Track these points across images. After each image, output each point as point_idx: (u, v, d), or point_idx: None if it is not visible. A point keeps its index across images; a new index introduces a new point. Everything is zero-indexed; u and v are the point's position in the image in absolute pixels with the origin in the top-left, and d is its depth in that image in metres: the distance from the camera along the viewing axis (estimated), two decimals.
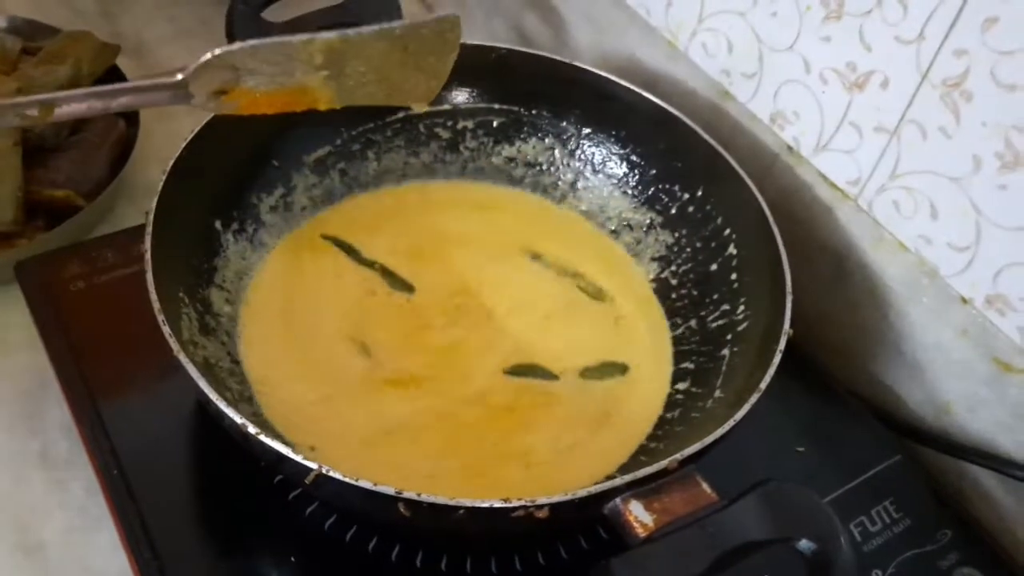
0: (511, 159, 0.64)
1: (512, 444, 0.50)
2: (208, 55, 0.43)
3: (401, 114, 0.63)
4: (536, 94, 0.63)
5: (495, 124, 0.64)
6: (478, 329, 0.55)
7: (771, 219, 0.53)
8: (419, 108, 0.54)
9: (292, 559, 0.47)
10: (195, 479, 0.50)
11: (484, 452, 0.49)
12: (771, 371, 0.45)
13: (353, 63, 0.46)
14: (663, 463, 0.40)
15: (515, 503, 0.38)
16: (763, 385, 0.44)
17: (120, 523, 0.47)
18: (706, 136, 0.57)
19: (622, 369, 0.55)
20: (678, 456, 0.41)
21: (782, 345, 0.47)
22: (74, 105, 0.41)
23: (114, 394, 0.52)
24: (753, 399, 0.44)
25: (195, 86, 0.43)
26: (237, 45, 0.44)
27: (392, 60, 0.47)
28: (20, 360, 0.59)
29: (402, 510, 0.38)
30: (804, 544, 0.38)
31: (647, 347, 0.56)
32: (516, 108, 0.63)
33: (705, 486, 0.41)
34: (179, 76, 0.43)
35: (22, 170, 0.64)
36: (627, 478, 0.40)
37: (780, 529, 0.39)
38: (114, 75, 0.73)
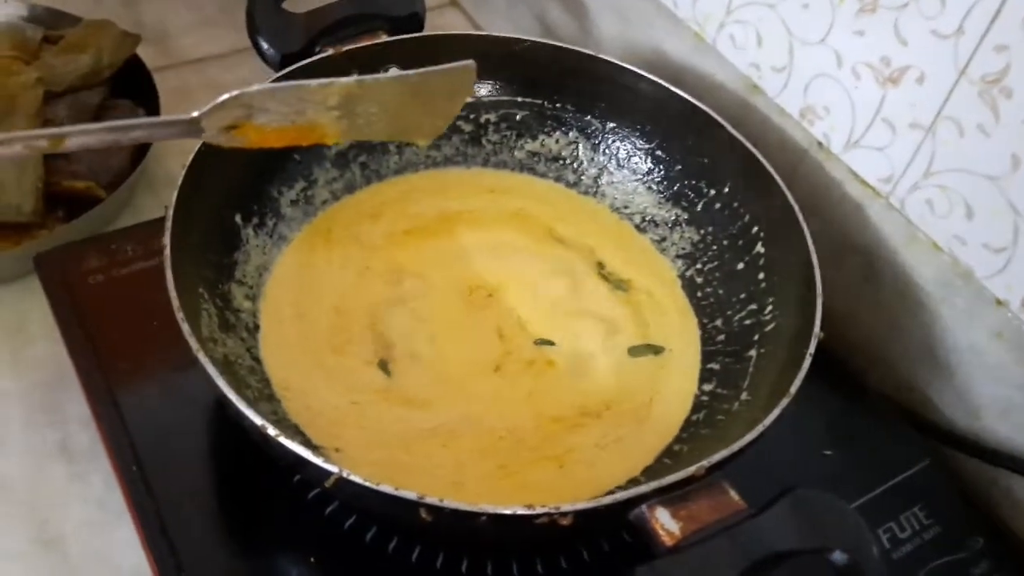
0: (534, 153, 0.63)
1: (554, 446, 0.49)
2: (226, 96, 0.44)
3: None
4: (560, 87, 0.62)
5: (518, 117, 0.63)
6: (501, 320, 0.54)
7: (801, 217, 0.52)
8: (423, 144, 0.54)
9: (311, 559, 0.46)
10: (214, 475, 0.50)
11: (520, 455, 0.48)
12: (801, 375, 0.44)
13: (365, 105, 0.47)
14: (690, 470, 0.39)
15: (539, 510, 0.37)
16: (793, 389, 0.43)
17: (138, 520, 0.47)
18: (734, 132, 0.56)
19: (656, 351, 0.54)
20: (705, 463, 0.40)
21: (812, 348, 0.45)
22: (86, 138, 0.41)
23: (133, 388, 0.52)
24: (783, 404, 0.43)
25: (208, 122, 0.44)
26: (256, 87, 0.44)
27: (404, 102, 0.48)
28: (39, 352, 0.58)
29: (423, 515, 0.38)
30: (836, 555, 0.37)
31: (677, 338, 0.55)
32: (540, 101, 0.62)
33: (733, 493, 0.40)
34: (194, 114, 0.43)
35: (42, 161, 0.63)
36: (653, 485, 0.39)
37: (811, 539, 0.38)
38: (135, 64, 0.72)
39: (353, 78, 0.46)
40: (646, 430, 0.50)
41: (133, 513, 0.48)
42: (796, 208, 0.52)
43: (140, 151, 0.67)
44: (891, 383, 0.59)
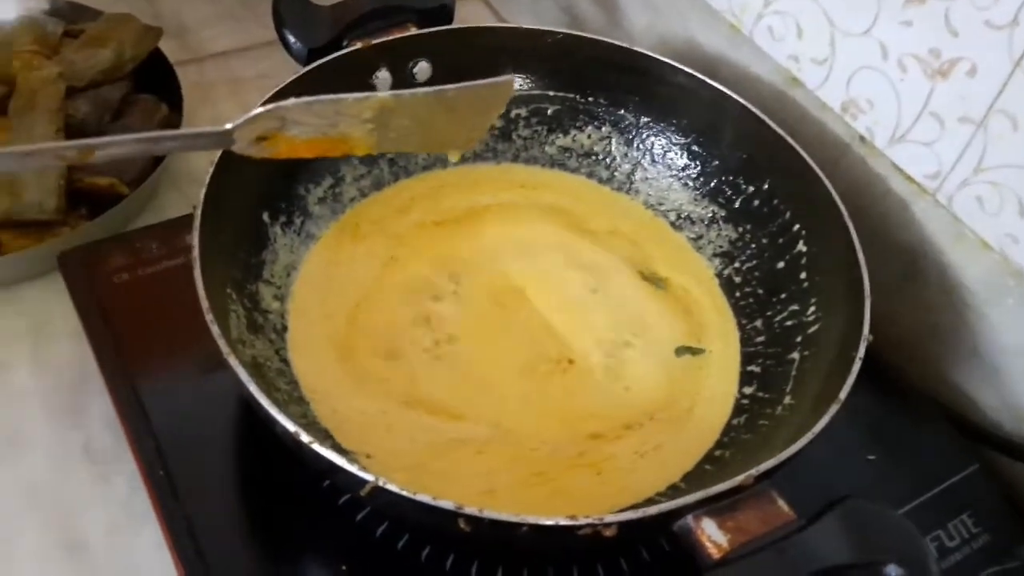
0: (566, 149, 0.62)
1: (592, 453, 0.47)
2: (260, 109, 0.43)
3: None
4: (593, 80, 0.60)
5: (549, 112, 0.61)
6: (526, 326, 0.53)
7: (846, 215, 0.50)
8: (454, 158, 0.53)
9: (343, 567, 0.45)
10: (241, 478, 0.48)
11: (556, 462, 0.47)
12: (850, 380, 0.43)
13: (399, 118, 0.46)
14: (738, 478, 0.38)
15: (582, 521, 0.36)
16: (843, 395, 0.42)
17: (165, 523, 0.46)
18: (774, 125, 0.54)
19: (696, 352, 0.53)
20: (754, 471, 0.38)
21: (862, 352, 0.44)
22: (115, 149, 0.40)
23: (159, 389, 0.51)
24: (832, 410, 0.41)
25: (240, 134, 0.43)
26: (291, 101, 0.43)
27: (438, 116, 0.47)
28: (62, 351, 0.57)
29: (462, 525, 0.36)
30: (891, 570, 0.36)
31: (716, 339, 0.53)
32: (572, 95, 0.61)
33: (781, 503, 0.39)
34: (227, 126, 0.43)
35: None
36: (699, 495, 0.37)
37: (865, 552, 0.37)
38: (157, 59, 0.71)
39: (389, 92, 0.45)
40: (686, 435, 0.48)
41: (160, 516, 0.47)
42: (840, 205, 0.50)
43: None
44: (934, 385, 0.57)
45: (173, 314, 0.53)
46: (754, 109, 0.55)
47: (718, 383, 0.51)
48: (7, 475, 0.52)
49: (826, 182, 0.51)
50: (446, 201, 0.59)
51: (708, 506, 0.37)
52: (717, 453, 0.47)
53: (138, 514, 0.50)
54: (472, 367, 0.50)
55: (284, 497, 0.47)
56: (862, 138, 0.57)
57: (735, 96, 0.56)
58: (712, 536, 0.37)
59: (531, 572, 0.45)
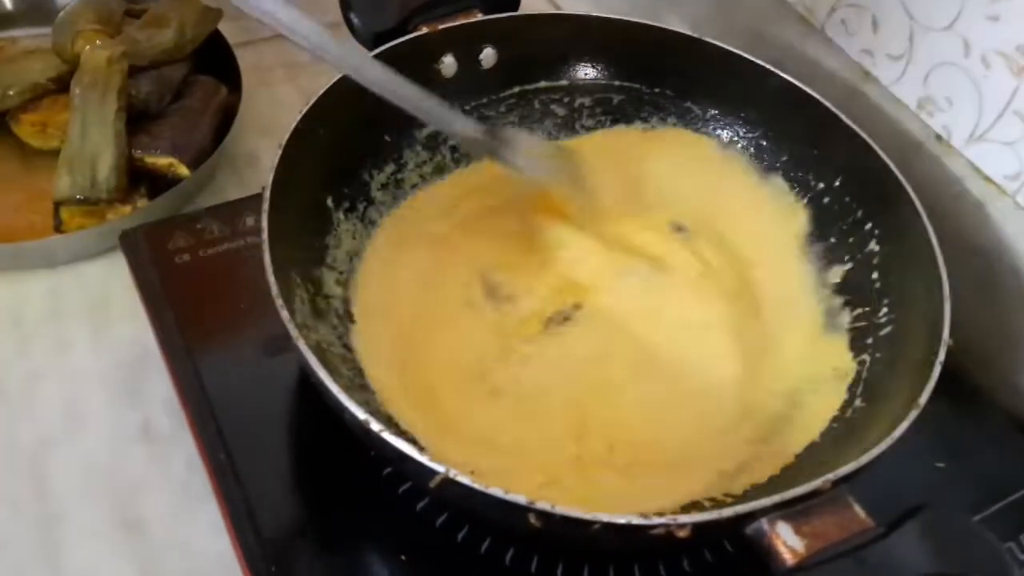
0: None
1: None
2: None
3: (516, 88, 0.59)
4: (660, 70, 0.59)
5: (615, 102, 0.60)
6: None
7: (923, 213, 0.48)
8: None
9: (402, 556, 0.44)
10: (301, 463, 0.48)
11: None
12: (931, 385, 0.41)
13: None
14: (816, 482, 0.37)
15: (655, 520, 0.35)
16: (923, 400, 0.41)
17: (225, 506, 0.46)
18: (848, 121, 0.53)
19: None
20: (831, 476, 0.37)
21: (942, 356, 0.43)
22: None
23: (219, 371, 0.50)
24: (912, 415, 0.40)
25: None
26: None
27: None
28: (122, 331, 0.58)
29: (532, 521, 0.36)
30: None
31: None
32: (638, 85, 0.60)
33: (858, 509, 0.38)
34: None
35: (126, 136, 0.63)
36: (776, 498, 0.36)
37: (946, 564, 0.35)
38: (216, 40, 0.71)
39: None
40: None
41: (219, 498, 0.47)
42: (917, 203, 0.49)
43: (222, 128, 0.66)
44: (1006, 393, 0.55)
45: (234, 296, 0.53)
46: (826, 102, 0.54)
47: None
48: (66, 454, 0.52)
49: (902, 179, 0.50)
50: (507, 190, 0.58)
51: (784, 510, 0.36)
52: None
53: (196, 496, 0.50)
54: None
55: (344, 483, 0.47)
56: (938, 136, 0.55)
57: (806, 89, 0.55)
58: (788, 541, 0.36)
59: (592, 568, 0.45)
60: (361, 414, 0.37)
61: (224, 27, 0.72)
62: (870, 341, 0.49)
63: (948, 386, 0.53)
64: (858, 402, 0.47)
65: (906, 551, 0.36)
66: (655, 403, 0.49)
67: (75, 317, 0.58)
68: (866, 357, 0.49)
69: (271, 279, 0.41)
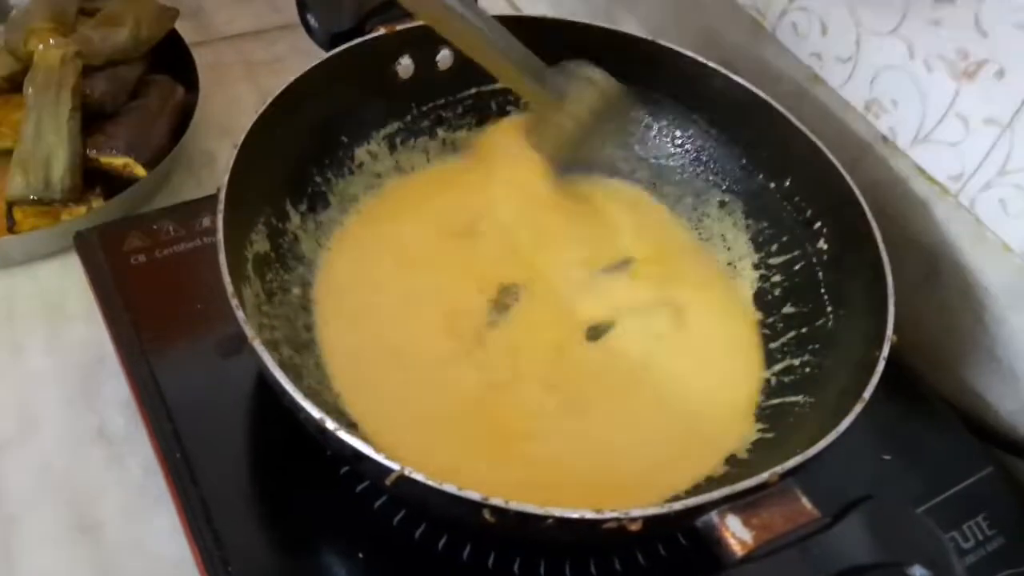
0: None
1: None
2: None
3: (473, 90, 0.60)
4: (616, 72, 0.59)
5: None
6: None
7: (870, 215, 0.50)
8: None
9: (359, 555, 0.45)
10: (259, 464, 0.48)
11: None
12: (875, 380, 0.43)
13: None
14: (763, 476, 0.38)
15: (607, 514, 0.36)
16: (867, 394, 0.42)
17: (182, 508, 0.46)
18: (798, 123, 0.54)
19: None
20: (779, 469, 0.38)
21: (886, 352, 0.44)
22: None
23: (176, 373, 0.50)
24: (857, 409, 0.41)
25: None
26: None
27: None
28: (77, 332, 0.57)
29: (487, 517, 0.36)
30: (917, 571, 0.36)
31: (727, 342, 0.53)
32: None
33: (805, 501, 0.39)
34: None
35: (81, 136, 0.62)
36: (725, 491, 0.37)
37: (890, 552, 0.36)
38: (172, 39, 0.71)
39: None
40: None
41: (176, 500, 0.46)
42: (864, 203, 0.50)
43: (179, 128, 0.66)
44: (951, 388, 0.57)
45: (191, 297, 0.53)
46: (777, 105, 0.55)
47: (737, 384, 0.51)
48: (20, 457, 0.52)
49: (850, 182, 0.51)
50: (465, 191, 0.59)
51: (733, 503, 0.37)
52: (738, 453, 0.47)
53: (152, 498, 0.50)
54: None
55: (302, 483, 0.47)
56: (884, 138, 0.56)
57: (758, 92, 0.56)
58: (737, 533, 0.37)
59: (548, 564, 0.45)
60: (316, 413, 0.37)
61: (181, 26, 0.71)
62: (818, 338, 0.50)
63: (895, 381, 0.54)
64: (806, 398, 0.48)
65: (850, 541, 0.37)
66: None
67: (29, 319, 0.58)
68: (814, 355, 0.50)
69: (226, 279, 0.41)
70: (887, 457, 0.52)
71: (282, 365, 0.39)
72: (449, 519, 0.44)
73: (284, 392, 0.38)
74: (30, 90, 0.62)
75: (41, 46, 0.63)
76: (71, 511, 0.50)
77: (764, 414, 0.49)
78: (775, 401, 0.49)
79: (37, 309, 0.58)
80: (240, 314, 0.40)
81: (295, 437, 0.47)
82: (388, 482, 0.36)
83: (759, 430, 0.48)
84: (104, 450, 0.52)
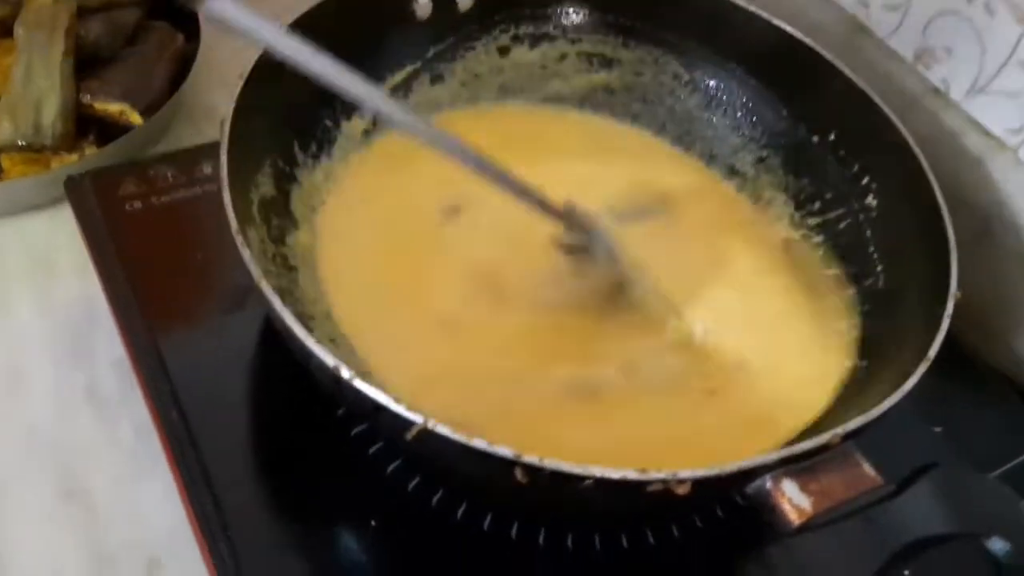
0: (609, 88, 0.57)
1: None
2: None
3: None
4: (651, 16, 0.55)
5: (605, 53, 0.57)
6: None
7: (926, 165, 0.46)
8: None
9: (371, 522, 0.41)
10: (264, 426, 0.45)
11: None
12: (940, 337, 0.39)
13: None
14: (824, 437, 0.34)
15: (653, 475, 0.32)
16: (932, 352, 0.38)
17: (179, 473, 0.42)
18: (846, 70, 0.50)
19: None
20: (840, 430, 0.35)
21: (950, 308, 0.40)
22: None
23: (173, 327, 0.47)
24: (921, 369, 0.38)
25: None
26: None
27: None
28: (67, 287, 0.53)
29: (519, 477, 0.32)
30: (997, 544, 0.32)
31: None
32: (626, 28, 0.56)
33: (867, 467, 0.35)
34: None
35: (74, 81, 0.58)
36: (782, 452, 0.34)
37: (964, 523, 0.33)
38: None
39: None
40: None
41: (172, 464, 0.43)
42: (920, 156, 0.46)
43: (179, 78, 0.62)
44: (1004, 358, 0.53)
45: (190, 246, 0.50)
46: (821, 51, 0.51)
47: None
48: (5, 418, 0.48)
49: (902, 129, 0.47)
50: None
51: (790, 466, 0.34)
52: None
53: (145, 462, 0.46)
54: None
55: (309, 445, 0.44)
56: (936, 90, 0.53)
57: (800, 36, 0.52)
58: (794, 499, 0.33)
59: (575, 537, 0.42)
60: (331, 360, 0.33)
61: None
62: (868, 298, 0.47)
63: (944, 350, 0.51)
64: (858, 362, 0.44)
65: (919, 510, 0.33)
66: None
67: (16, 273, 0.54)
68: (860, 318, 0.46)
69: (231, 214, 0.37)
70: (938, 429, 0.48)
71: (292, 311, 0.35)
72: (472, 483, 0.40)
73: (294, 339, 0.34)
74: (20, 31, 0.58)
75: None
76: (56, 477, 0.46)
77: None
78: None
79: (25, 264, 0.55)
80: (246, 252, 0.36)
81: (302, 397, 0.44)
82: (409, 436, 0.33)
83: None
84: (95, 411, 0.49)
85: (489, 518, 0.42)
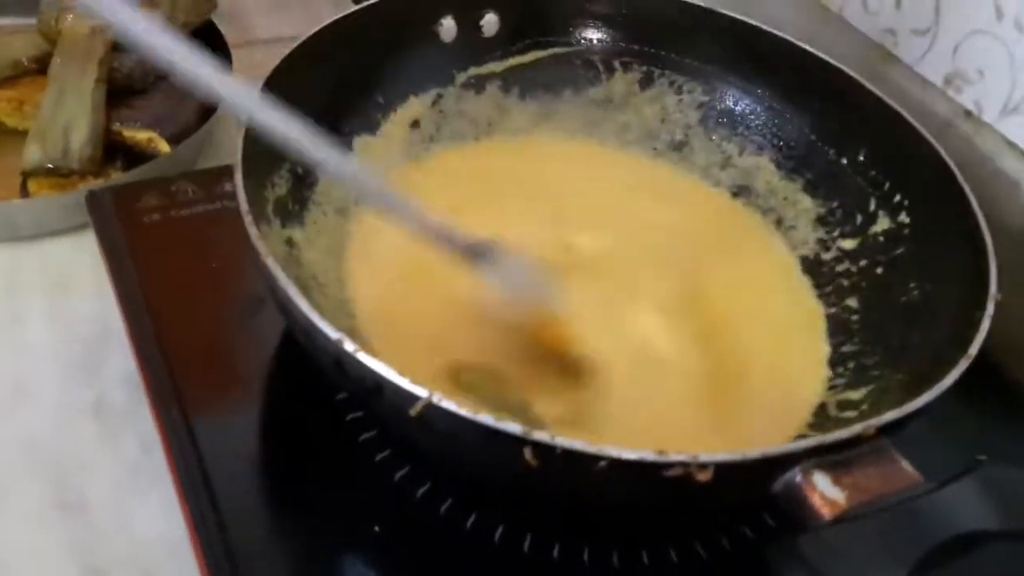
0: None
1: None
2: None
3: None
4: (674, 39, 0.55)
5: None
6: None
7: (960, 176, 0.44)
8: None
9: (375, 528, 0.39)
10: (271, 433, 0.43)
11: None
12: (980, 336, 0.37)
13: None
14: (857, 428, 0.32)
15: (672, 458, 0.30)
16: (973, 350, 0.36)
17: (180, 482, 0.40)
18: (873, 88, 0.49)
19: None
20: (875, 421, 0.32)
21: (991, 309, 0.38)
22: None
23: (185, 337, 0.46)
24: (962, 365, 0.35)
25: None
26: None
27: None
28: (84, 306, 0.53)
29: (528, 458, 0.30)
30: None
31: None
32: (653, 52, 0.56)
33: (905, 463, 0.32)
34: None
35: (105, 107, 0.59)
36: (812, 441, 0.31)
37: (1013, 520, 0.30)
38: (211, 35, 0.68)
39: None
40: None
41: (174, 473, 0.41)
42: (953, 166, 0.45)
43: (209, 109, 0.63)
44: None
45: (205, 256, 0.49)
46: (850, 72, 0.50)
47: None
48: (7, 428, 0.47)
49: (935, 144, 0.46)
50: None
51: (821, 457, 0.31)
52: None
53: (146, 478, 0.45)
54: None
55: (315, 453, 0.42)
56: (967, 112, 0.52)
57: (827, 58, 0.51)
58: (826, 492, 0.31)
59: (591, 552, 0.39)
60: (333, 333, 0.32)
61: (223, 27, 0.69)
62: (903, 314, 0.45)
63: (987, 378, 0.48)
64: (889, 372, 0.42)
65: (965, 506, 0.30)
66: None
67: (31, 292, 0.54)
68: (902, 330, 0.44)
69: (242, 195, 0.36)
70: (982, 458, 0.45)
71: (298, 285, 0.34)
72: (480, 474, 0.37)
73: (296, 312, 0.33)
74: (57, 60, 0.60)
75: (71, 17, 0.61)
76: (54, 488, 0.45)
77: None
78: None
79: (42, 284, 0.54)
80: (253, 231, 0.35)
81: (314, 413, 0.42)
82: (414, 412, 0.31)
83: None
84: (99, 426, 0.48)
85: (501, 530, 0.39)
